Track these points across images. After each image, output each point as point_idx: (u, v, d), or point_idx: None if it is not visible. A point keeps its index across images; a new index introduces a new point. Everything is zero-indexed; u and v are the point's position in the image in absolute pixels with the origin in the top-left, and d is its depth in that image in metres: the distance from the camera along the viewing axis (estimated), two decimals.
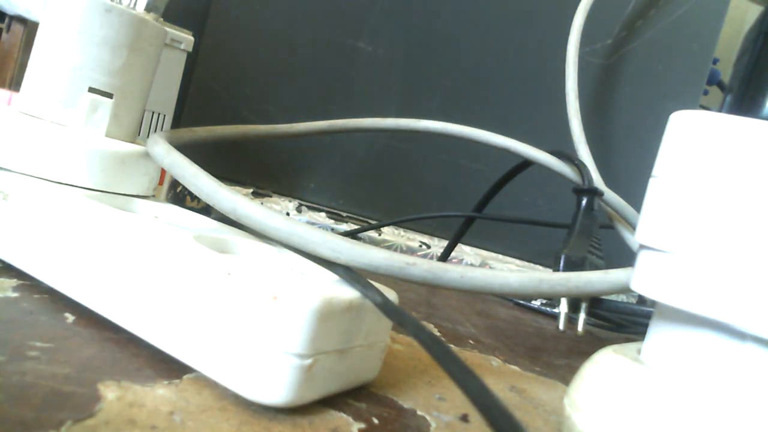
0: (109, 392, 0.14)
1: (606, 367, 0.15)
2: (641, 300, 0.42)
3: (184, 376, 0.15)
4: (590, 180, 0.32)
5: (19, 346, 0.15)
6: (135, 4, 0.26)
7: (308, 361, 0.14)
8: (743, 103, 0.55)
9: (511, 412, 0.11)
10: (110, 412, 0.13)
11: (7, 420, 0.11)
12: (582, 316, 0.22)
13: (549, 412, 0.20)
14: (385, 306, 0.16)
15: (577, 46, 0.45)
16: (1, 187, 0.20)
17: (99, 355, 0.15)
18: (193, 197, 0.41)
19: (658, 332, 0.15)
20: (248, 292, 0.14)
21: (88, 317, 0.17)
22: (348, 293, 0.16)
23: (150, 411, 0.13)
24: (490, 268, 0.48)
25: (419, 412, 0.17)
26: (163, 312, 0.16)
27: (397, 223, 0.46)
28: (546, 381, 0.24)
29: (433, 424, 0.17)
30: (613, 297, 0.34)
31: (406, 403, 0.17)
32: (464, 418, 0.17)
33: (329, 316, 0.15)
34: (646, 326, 0.15)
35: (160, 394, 0.14)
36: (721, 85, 0.73)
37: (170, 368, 0.16)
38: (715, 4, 0.51)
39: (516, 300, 0.40)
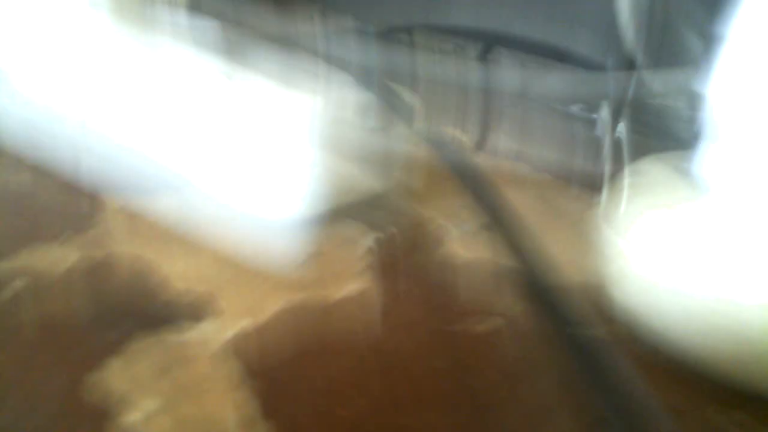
0: (111, 204, 0.13)
1: (648, 177, 0.14)
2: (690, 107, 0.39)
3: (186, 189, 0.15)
4: None
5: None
6: None
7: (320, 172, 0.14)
8: None
9: (524, 229, 0.10)
10: (112, 222, 0.13)
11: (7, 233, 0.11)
12: (622, 124, 0.20)
13: (574, 223, 0.19)
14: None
15: None
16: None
17: (101, 168, 0.15)
18: None
19: (711, 144, 0.13)
20: (251, 95, 0.13)
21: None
22: (362, 96, 0.14)
23: (151, 222, 0.13)
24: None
25: (440, 221, 0.17)
26: (168, 127, 0.15)
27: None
28: (574, 190, 0.23)
29: (453, 232, 0.16)
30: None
31: (427, 212, 0.17)
32: (485, 227, 0.17)
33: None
34: (689, 136, 0.14)
35: (163, 205, 0.14)
36: None
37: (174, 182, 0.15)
38: None
39: (553, 105, 0.38)
